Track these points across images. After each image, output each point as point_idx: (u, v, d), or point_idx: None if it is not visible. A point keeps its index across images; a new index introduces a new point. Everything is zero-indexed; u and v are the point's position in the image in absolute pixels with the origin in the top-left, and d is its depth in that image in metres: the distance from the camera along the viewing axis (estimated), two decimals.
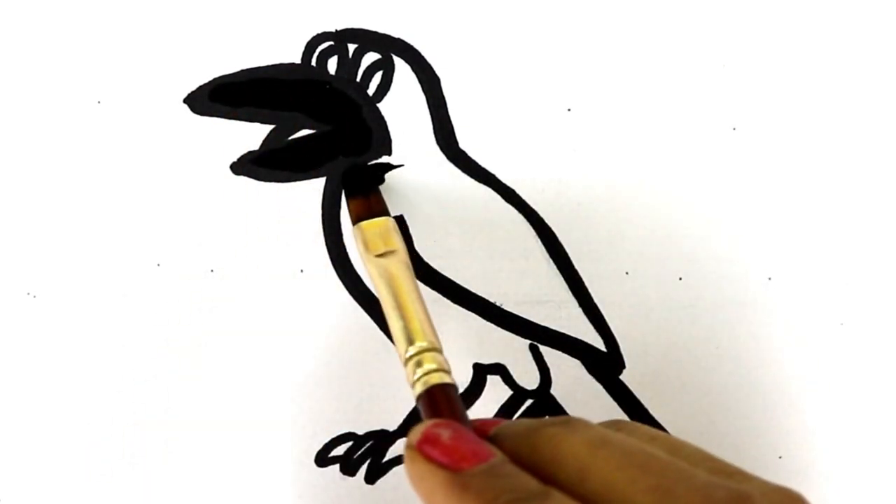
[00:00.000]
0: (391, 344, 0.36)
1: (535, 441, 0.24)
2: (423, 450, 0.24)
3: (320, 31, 0.37)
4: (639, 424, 0.26)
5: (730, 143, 0.38)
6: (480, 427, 0.26)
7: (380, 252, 0.32)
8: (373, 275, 0.32)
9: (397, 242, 0.33)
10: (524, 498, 0.22)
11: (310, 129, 0.37)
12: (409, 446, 0.25)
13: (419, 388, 0.27)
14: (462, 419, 0.26)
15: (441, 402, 0.26)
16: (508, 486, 0.22)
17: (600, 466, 0.22)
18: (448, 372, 0.28)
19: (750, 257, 0.37)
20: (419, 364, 0.27)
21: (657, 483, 0.21)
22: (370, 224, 0.33)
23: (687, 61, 0.38)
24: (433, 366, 0.27)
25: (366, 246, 0.32)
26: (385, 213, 0.34)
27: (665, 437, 0.25)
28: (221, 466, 0.35)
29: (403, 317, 0.29)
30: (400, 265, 0.32)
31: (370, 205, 0.34)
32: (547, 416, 0.35)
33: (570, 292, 0.36)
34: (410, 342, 0.28)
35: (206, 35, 0.37)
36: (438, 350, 0.28)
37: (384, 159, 0.37)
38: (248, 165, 0.37)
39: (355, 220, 0.34)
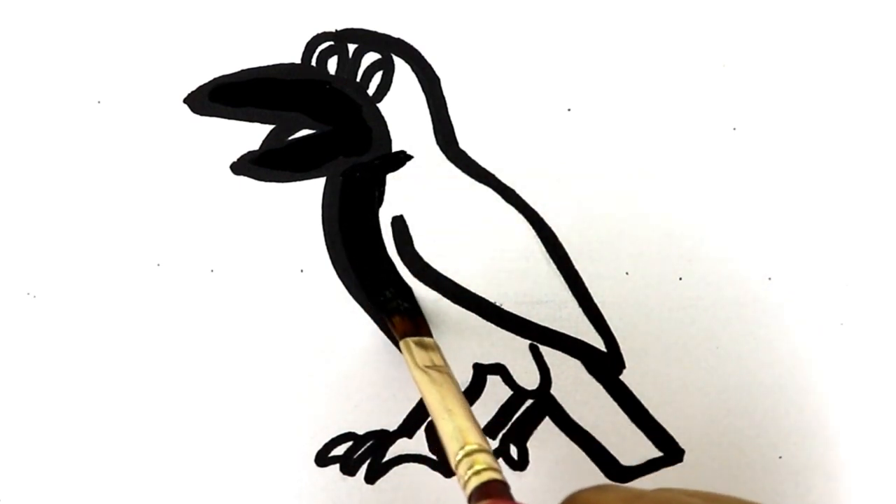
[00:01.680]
0: (391, 344, 0.36)
1: None
2: None
3: (320, 31, 0.37)
4: (673, 487, 0.26)
5: (730, 143, 0.38)
6: None
7: (427, 365, 0.33)
8: (421, 382, 0.32)
9: (442, 359, 0.33)
10: None
11: (310, 129, 0.37)
12: None
13: (474, 483, 0.27)
14: None
15: (495, 496, 0.27)
16: None
17: None
18: (499, 471, 0.28)
19: (750, 257, 0.37)
20: (471, 465, 0.28)
21: None
22: (417, 341, 0.34)
23: (687, 61, 0.38)
24: (483, 465, 0.28)
25: (413, 359, 0.33)
26: (429, 334, 0.35)
27: (704, 493, 0.25)
28: (221, 466, 0.35)
29: (454, 420, 0.30)
30: (447, 376, 0.32)
31: (417, 326, 0.35)
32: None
33: (570, 292, 0.36)
34: (463, 444, 0.29)
35: (206, 35, 0.37)
36: (489, 451, 0.29)
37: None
38: (248, 165, 0.37)
39: (401, 336, 0.34)
